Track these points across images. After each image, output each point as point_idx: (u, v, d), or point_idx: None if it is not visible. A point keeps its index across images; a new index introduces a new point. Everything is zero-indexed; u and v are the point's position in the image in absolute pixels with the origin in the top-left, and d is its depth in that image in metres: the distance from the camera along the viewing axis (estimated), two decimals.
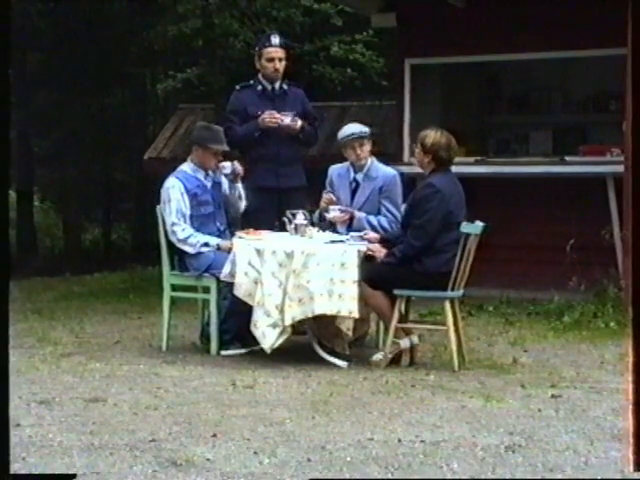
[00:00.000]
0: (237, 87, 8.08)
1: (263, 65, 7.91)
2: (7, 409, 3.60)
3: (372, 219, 7.22)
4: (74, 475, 4.19)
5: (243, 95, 7.97)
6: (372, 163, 7.36)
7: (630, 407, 3.97)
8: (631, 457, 3.98)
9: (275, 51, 7.89)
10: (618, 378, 6.31)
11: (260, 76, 7.97)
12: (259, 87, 7.94)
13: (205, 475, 4.34)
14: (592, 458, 4.57)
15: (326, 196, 7.39)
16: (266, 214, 7.47)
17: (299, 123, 7.82)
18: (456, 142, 6.83)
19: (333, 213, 7.28)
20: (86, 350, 7.29)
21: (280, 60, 7.90)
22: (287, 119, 7.76)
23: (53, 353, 7.12)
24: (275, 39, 7.93)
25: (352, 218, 7.26)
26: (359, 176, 7.35)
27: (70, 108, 18.27)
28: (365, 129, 7.32)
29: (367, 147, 7.30)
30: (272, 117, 7.74)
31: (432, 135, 6.72)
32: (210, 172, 7.39)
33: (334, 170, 7.50)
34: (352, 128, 7.35)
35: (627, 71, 8.51)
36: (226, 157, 7.51)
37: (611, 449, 4.70)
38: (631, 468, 4.03)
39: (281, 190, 7.79)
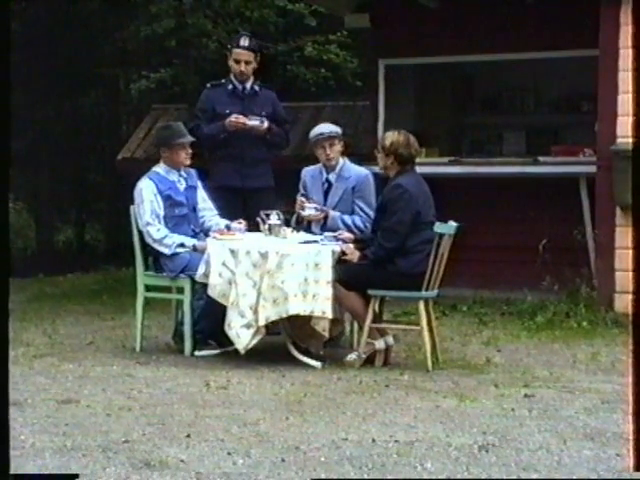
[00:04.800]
0: (208, 85, 8.12)
1: (230, 64, 7.98)
2: (7, 409, 3.57)
3: (346, 218, 7.23)
4: (76, 475, 4.17)
5: (213, 93, 8.00)
6: (344, 163, 7.37)
7: (630, 408, 4.00)
8: (631, 457, 4.02)
9: (242, 53, 7.93)
10: (590, 377, 6.35)
11: (232, 75, 7.99)
12: (229, 86, 7.97)
13: (179, 476, 4.33)
14: (565, 457, 4.59)
15: (299, 200, 7.38)
16: (231, 214, 7.45)
17: (265, 124, 7.84)
18: (418, 141, 6.86)
19: (309, 211, 7.29)
20: (59, 351, 7.26)
21: (247, 63, 7.94)
22: (252, 121, 7.77)
23: (25, 354, 7.08)
24: (245, 41, 7.96)
25: (327, 217, 7.27)
26: (331, 176, 7.36)
27: (43, 109, 18.16)
28: (335, 129, 7.34)
29: (337, 147, 7.31)
30: (237, 120, 7.75)
31: (390, 135, 6.82)
32: (183, 173, 7.38)
33: (307, 172, 7.51)
34: (322, 128, 7.37)
35: (600, 72, 8.57)
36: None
37: (584, 448, 4.73)
38: (631, 468, 4.07)
39: (245, 190, 7.80)
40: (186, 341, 7.05)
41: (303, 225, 7.42)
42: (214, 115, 7.88)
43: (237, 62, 7.91)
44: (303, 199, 7.37)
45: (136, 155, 13.91)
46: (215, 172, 7.93)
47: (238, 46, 7.93)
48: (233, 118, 7.78)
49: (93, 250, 20.03)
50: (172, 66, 12.91)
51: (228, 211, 7.49)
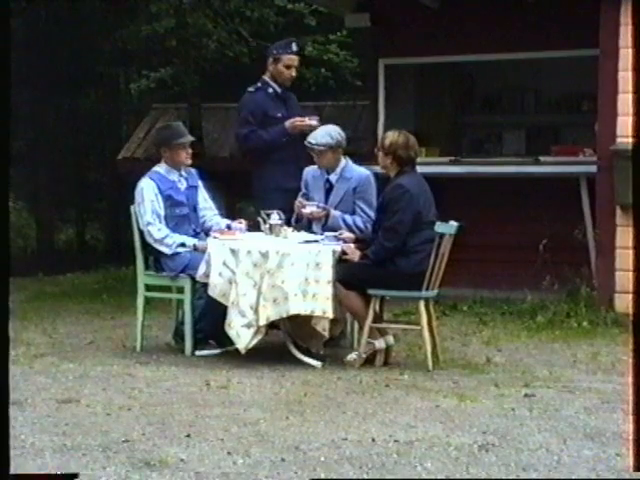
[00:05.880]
0: (251, 89, 8.02)
1: (279, 70, 7.94)
2: (7, 409, 3.57)
3: (347, 218, 7.23)
4: (76, 475, 4.17)
5: (258, 97, 7.95)
6: (346, 164, 7.36)
7: (630, 408, 4.01)
8: (631, 457, 4.03)
9: (294, 59, 7.99)
10: (591, 377, 6.36)
11: (268, 78, 7.98)
12: (270, 90, 7.96)
13: (179, 475, 4.33)
14: (565, 457, 4.60)
15: (298, 201, 7.36)
16: (290, 214, 7.44)
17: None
18: (417, 142, 6.84)
19: (310, 209, 7.27)
20: (59, 351, 7.26)
21: (296, 68, 8.01)
22: (313, 122, 7.80)
23: (26, 354, 7.08)
24: (295, 47, 8.02)
25: (328, 216, 7.26)
26: (333, 177, 7.36)
27: (43, 108, 18.17)
28: (326, 141, 7.20)
29: (328, 157, 7.24)
30: (303, 123, 7.76)
31: (390, 135, 6.80)
32: (184, 172, 7.38)
33: (308, 172, 7.50)
34: (315, 136, 7.27)
35: (600, 72, 8.57)
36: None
37: (584, 448, 4.73)
38: (631, 468, 4.08)
39: (299, 190, 7.77)
40: (186, 341, 7.05)
41: (303, 223, 7.40)
42: (264, 119, 7.84)
43: (288, 67, 7.93)
44: (302, 200, 7.36)
45: (136, 155, 13.92)
46: (273, 174, 7.79)
47: (291, 52, 7.97)
48: (298, 120, 7.78)
49: (93, 249, 20.03)
50: (172, 65, 12.92)
51: (288, 211, 7.42)
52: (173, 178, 7.32)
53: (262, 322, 6.58)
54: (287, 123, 7.81)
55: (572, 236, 9.01)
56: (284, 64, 7.94)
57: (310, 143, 7.25)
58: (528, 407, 5.52)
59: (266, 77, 8.01)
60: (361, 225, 7.21)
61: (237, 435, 4.93)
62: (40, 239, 19.73)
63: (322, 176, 7.40)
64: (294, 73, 8.00)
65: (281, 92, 8.01)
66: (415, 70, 11.15)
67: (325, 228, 7.23)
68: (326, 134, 7.28)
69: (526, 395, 5.81)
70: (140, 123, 15.15)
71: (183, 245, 7.14)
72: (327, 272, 6.62)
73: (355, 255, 6.75)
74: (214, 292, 6.76)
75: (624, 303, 8.00)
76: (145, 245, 7.24)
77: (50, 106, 18.27)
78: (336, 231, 7.06)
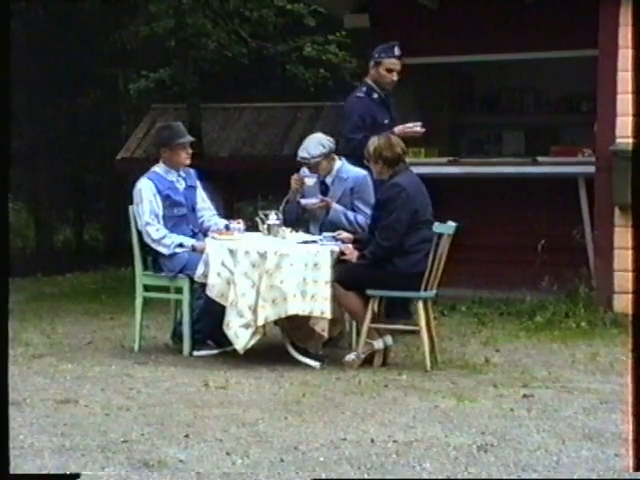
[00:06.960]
0: (360, 94, 7.98)
1: (382, 74, 7.93)
2: (6, 409, 3.57)
3: (349, 214, 7.23)
4: (77, 475, 4.17)
5: (368, 103, 7.92)
6: (342, 165, 7.36)
7: (629, 408, 4.01)
8: (630, 457, 4.03)
9: (398, 63, 7.95)
10: (589, 377, 6.36)
11: (371, 82, 7.97)
12: (375, 95, 7.94)
13: (178, 476, 4.33)
14: (564, 457, 4.60)
15: (296, 176, 7.35)
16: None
17: None
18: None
19: (307, 200, 7.26)
20: (57, 351, 7.26)
21: (398, 72, 7.96)
22: (418, 128, 7.84)
23: (24, 354, 7.08)
24: (397, 51, 7.96)
25: (328, 209, 7.24)
26: (328, 179, 7.35)
27: (42, 108, 18.18)
28: (318, 152, 7.20)
29: (324, 165, 7.26)
30: (412, 129, 7.77)
31: (372, 142, 6.82)
32: (182, 172, 7.38)
33: (305, 172, 7.49)
34: (307, 150, 7.24)
35: (599, 72, 8.57)
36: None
37: (582, 448, 4.73)
38: (631, 468, 4.08)
39: None
40: (185, 341, 7.05)
41: (293, 206, 7.36)
42: (373, 125, 7.75)
43: (390, 71, 7.91)
44: (301, 174, 7.33)
45: (135, 155, 13.93)
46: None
47: (394, 56, 7.93)
48: (408, 127, 7.79)
49: (92, 250, 20.04)
50: (171, 66, 12.94)
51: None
52: (171, 178, 7.32)
53: (260, 322, 6.58)
54: (397, 130, 7.74)
55: (571, 236, 9.01)
56: (385, 68, 7.91)
57: (305, 158, 7.24)
58: (527, 407, 5.52)
59: (369, 81, 7.99)
60: (362, 223, 7.19)
61: (236, 435, 4.93)
62: (39, 239, 19.74)
63: (318, 177, 7.39)
64: (395, 77, 7.93)
65: (384, 97, 7.98)
66: (414, 70, 11.13)
67: (325, 222, 7.22)
68: (317, 144, 7.27)
69: (525, 395, 5.80)
70: (139, 123, 15.16)
71: (181, 245, 7.13)
72: (325, 272, 6.62)
73: (353, 255, 6.75)
74: (212, 292, 6.75)
75: (623, 303, 8.01)
76: (143, 245, 7.23)
77: (50, 106, 18.28)
78: (336, 226, 7.06)
